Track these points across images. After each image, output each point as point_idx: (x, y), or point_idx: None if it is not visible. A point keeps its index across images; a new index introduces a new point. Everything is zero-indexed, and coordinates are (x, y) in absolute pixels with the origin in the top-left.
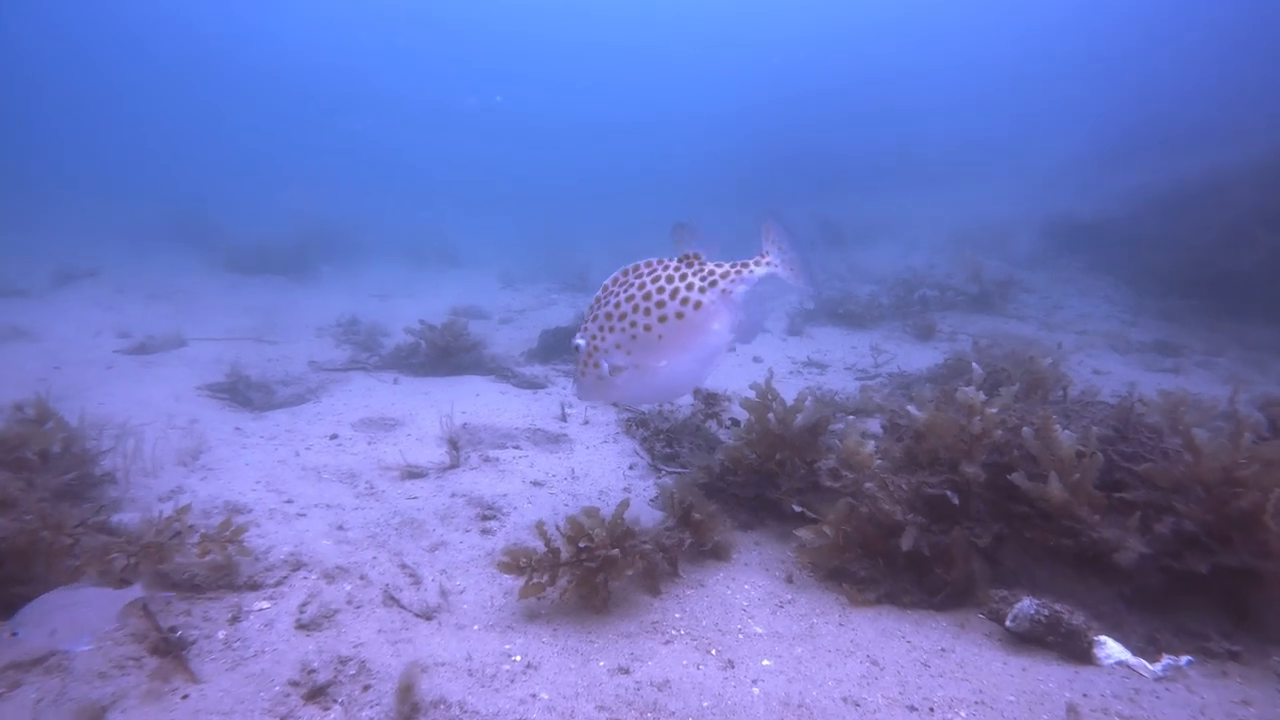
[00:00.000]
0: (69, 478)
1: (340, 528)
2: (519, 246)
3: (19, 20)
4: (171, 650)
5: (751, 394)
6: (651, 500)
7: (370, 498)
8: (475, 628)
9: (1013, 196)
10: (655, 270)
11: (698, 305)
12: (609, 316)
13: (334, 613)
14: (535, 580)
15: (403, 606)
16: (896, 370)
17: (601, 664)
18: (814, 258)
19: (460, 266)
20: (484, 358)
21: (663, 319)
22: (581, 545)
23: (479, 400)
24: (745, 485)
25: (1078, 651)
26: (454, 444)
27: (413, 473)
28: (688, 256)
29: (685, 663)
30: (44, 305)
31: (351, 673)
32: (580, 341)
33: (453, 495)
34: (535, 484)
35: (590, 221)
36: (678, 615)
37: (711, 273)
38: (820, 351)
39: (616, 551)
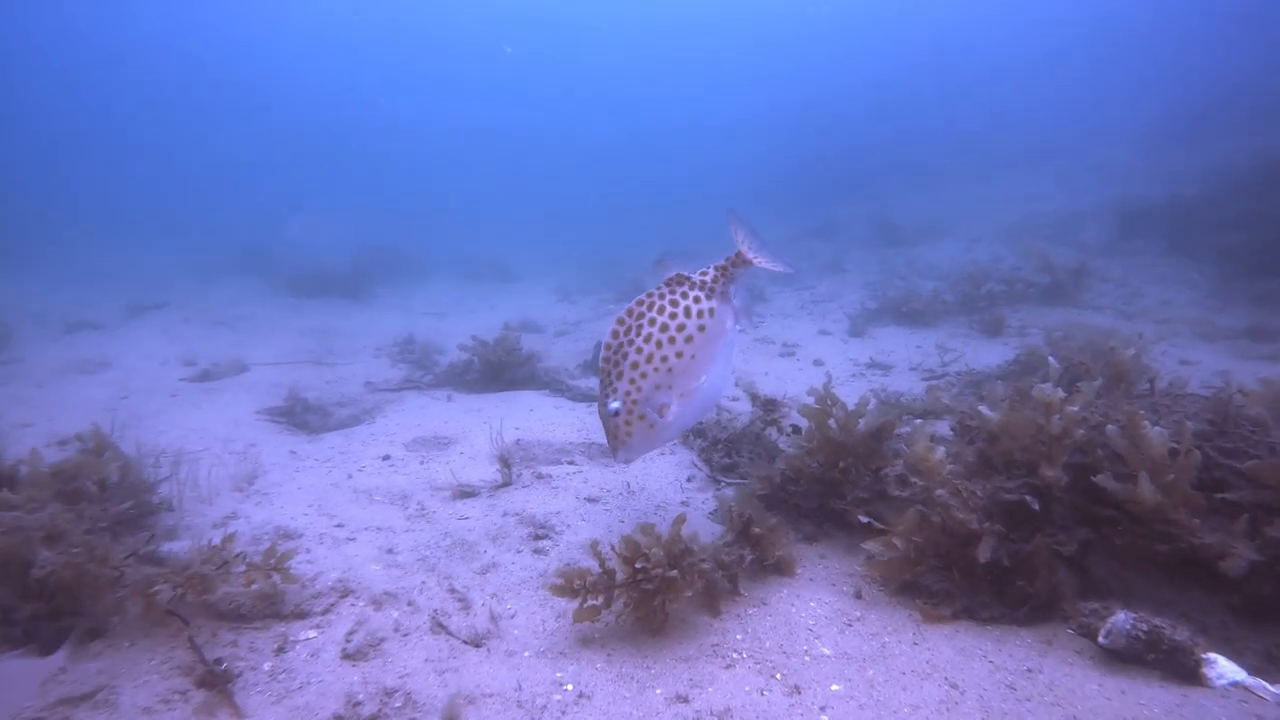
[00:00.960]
0: (125, 506)
1: (390, 551)
2: (574, 260)
3: (95, 72)
4: (217, 683)
5: (810, 400)
6: (710, 514)
7: (421, 519)
8: (526, 654)
9: (1080, 185)
10: (656, 302)
11: (712, 312)
12: (635, 366)
13: (380, 641)
14: (590, 604)
15: (450, 634)
16: (964, 369)
17: (658, 692)
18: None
19: (516, 281)
20: (538, 371)
21: (689, 339)
22: (638, 566)
23: (532, 415)
24: (808, 495)
25: (1183, 671)
26: (505, 462)
27: (464, 492)
28: (675, 278)
29: (748, 689)
30: (115, 337)
31: (398, 705)
32: (616, 404)
33: (504, 514)
34: (589, 500)
35: (644, 231)
36: (739, 637)
37: (705, 282)
38: (883, 352)
39: (675, 573)
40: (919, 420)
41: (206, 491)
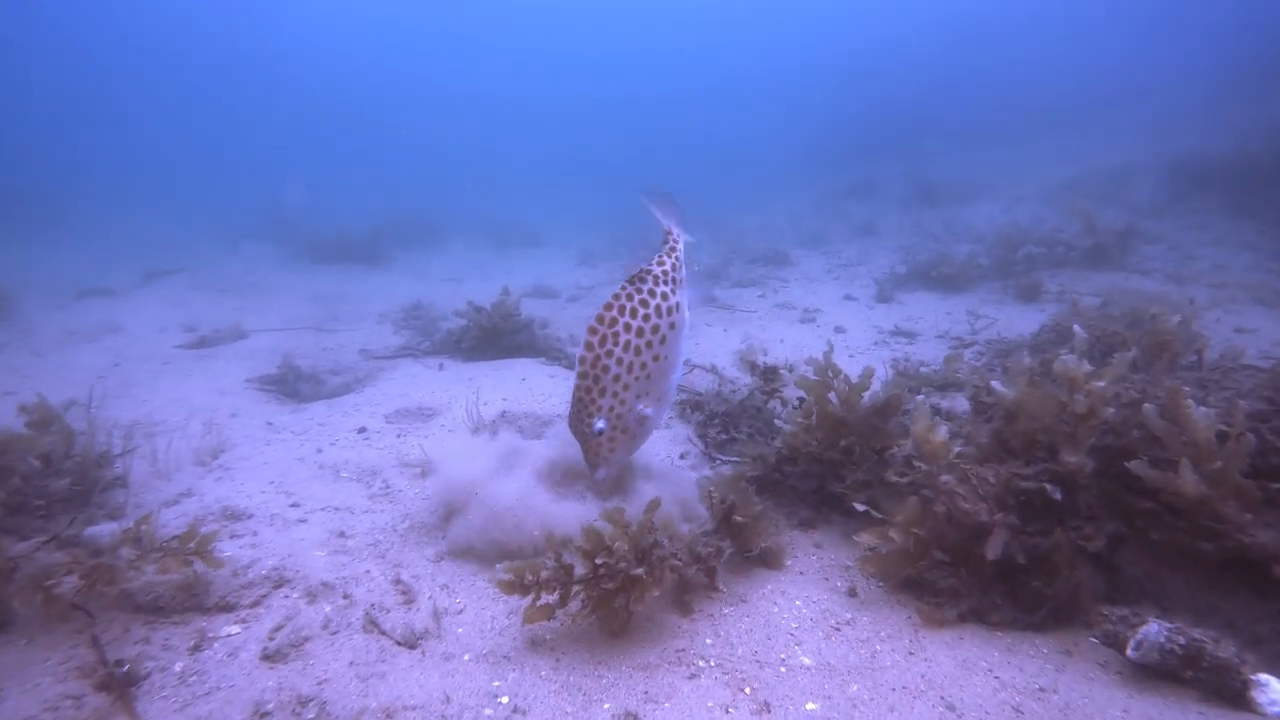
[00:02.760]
0: (64, 484)
1: (341, 535)
2: (603, 223)
3: (120, 38)
4: (118, 687)
5: (809, 371)
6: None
7: (384, 499)
8: (465, 657)
9: (1132, 141)
10: (626, 305)
11: (678, 306)
12: (617, 379)
13: (305, 640)
14: (543, 602)
15: (384, 632)
16: (995, 337)
17: (606, 707)
18: (682, 206)
19: (541, 246)
20: (536, 338)
21: (663, 340)
22: (599, 562)
23: (524, 385)
24: (805, 477)
25: (1227, 693)
26: (487, 431)
27: (433, 469)
28: (638, 274)
29: (710, 704)
30: (124, 302)
31: (310, 717)
32: (602, 424)
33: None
34: (570, 478)
35: (677, 194)
36: (709, 641)
37: (666, 274)
38: (910, 319)
39: (641, 570)
40: (932, 393)
41: (166, 466)
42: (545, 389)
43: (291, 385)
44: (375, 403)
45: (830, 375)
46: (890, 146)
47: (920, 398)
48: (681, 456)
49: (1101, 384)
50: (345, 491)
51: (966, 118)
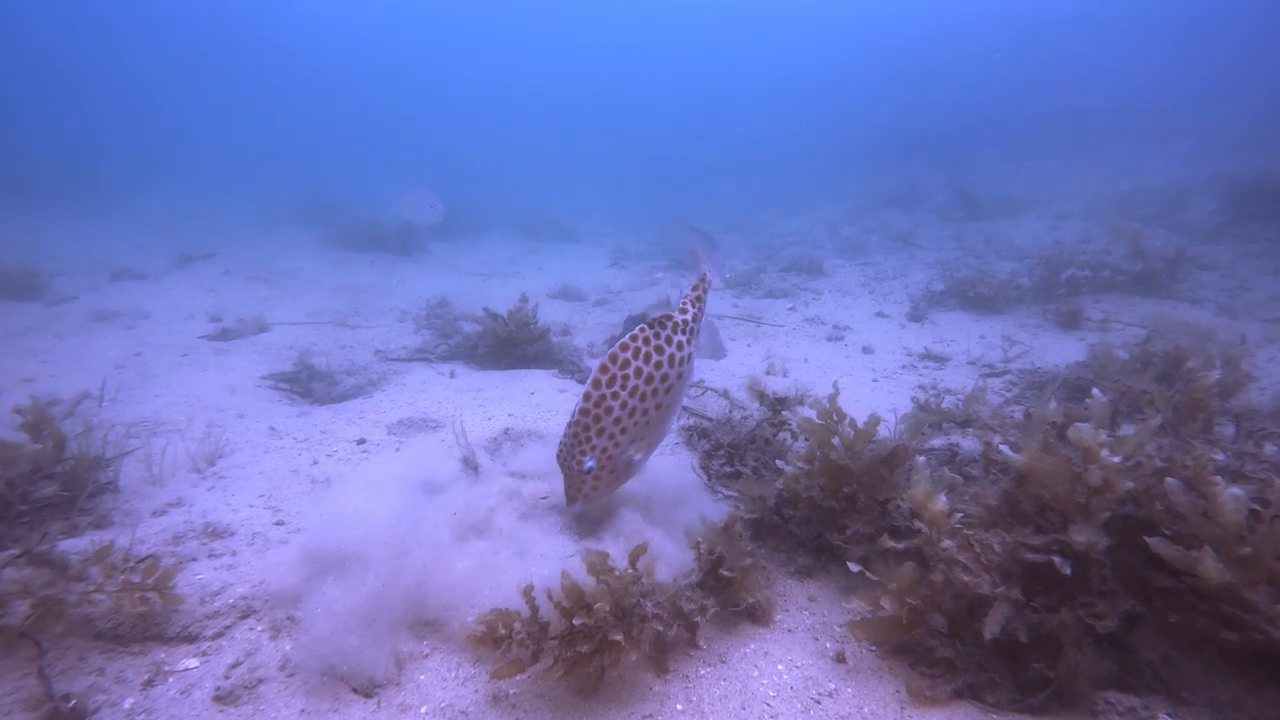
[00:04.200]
0: (51, 490)
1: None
2: (641, 221)
3: (171, 23)
4: None
5: (823, 399)
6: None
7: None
8: (422, 710)
9: (1190, 158)
10: (642, 349)
11: (689, 358)
12: (618, 422)
13: (259, 682)
14: (514, 657)
15: (341, 677)
16: (1029, 366)
17: None
18: (725, 250)
19: (575, 242)
20: (552, 348)
21: (669, 390)
22: (576, 623)
23: (531, 400)
24: (805, 523)
25: None
26: (471, 465)
27: (427, 489)
28: (659, 320)
29: None
30: (154, 288)
31: None
32: (592, 463)
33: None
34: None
35: (718, 195)
36: (680, 707)
37: (686, 323)
38: (942, 341)
39: (619, 636)
40: (953, 430)
41: (162, 472)
42: (553, 405)
43: (305, 384)
44: (381, 410)
45: (835, 420)
46: (935, 153)
47: (921, 459)
48: (682, 487)
49: (1116, 459)
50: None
51: (1017, 124)
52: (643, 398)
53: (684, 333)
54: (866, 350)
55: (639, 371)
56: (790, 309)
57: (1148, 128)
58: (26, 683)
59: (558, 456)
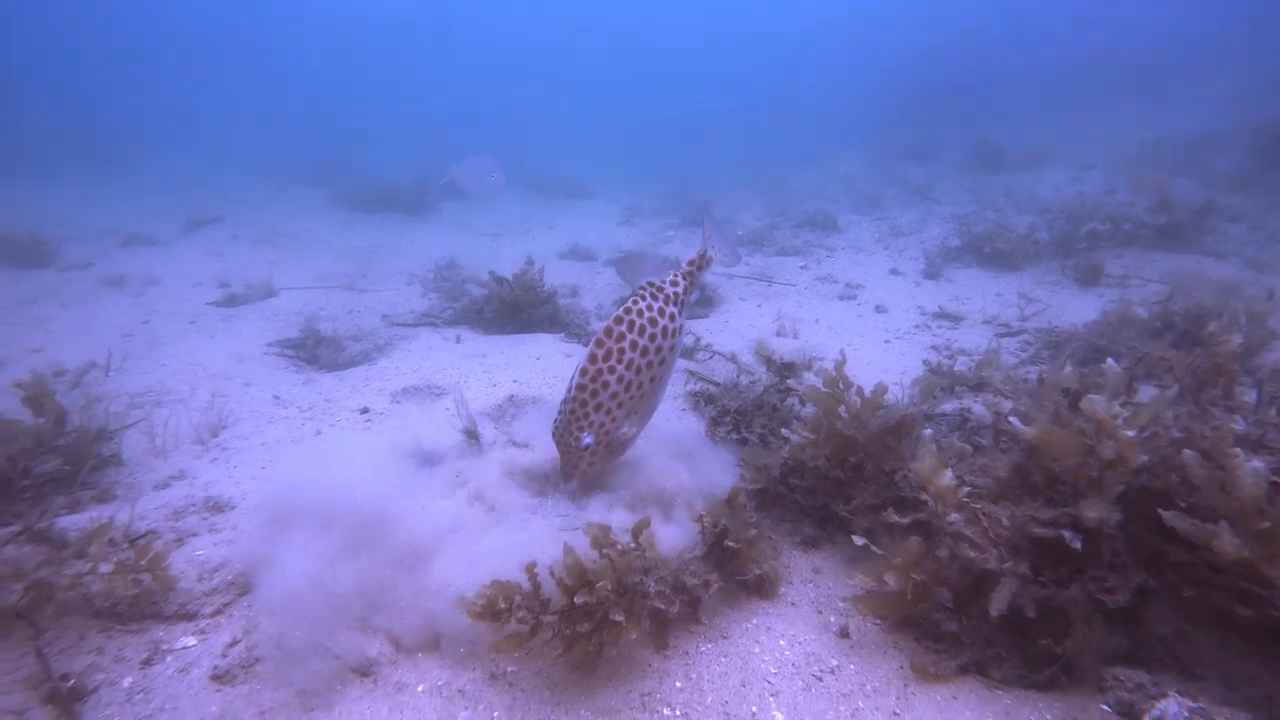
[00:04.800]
0: (53, 465)
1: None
2: (654, 178)
3: None
4: (63, 702)
5: (829, 367)
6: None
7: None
8: (419, 689)
9: (1219, 105)
10: (636, 321)
11: (680, 329)
12: (614, 397)
13: (256, 661)
14: (513, 631)
15: (337, 656)
16: (1045, 325)
17: None
18: (736, 237)
19: (588, 199)
20: (559, 310)
21: (663, 361)
22: (578, 601)
23: (537, 365)
24: (811, 492)
25: None
26: (472, 434)
27: (428, 459)
28: (649, 289)
29: None
30: (163, 253)
31: None
32: (589, 439)
33: (457, 490)
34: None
35: (731, 151)
36: (679, 684)
37: (677, 294)
38: (957, 299)
39: (620, 616)
40: (965, 393)
41: (165, 443)
42: (558, 370)
43: (311, 351)
44: (386, 377)
45: (841, 388)
46: (956, 103)
47: (928, 432)
48: (689, 454)
49: (1130, 433)
50: (333, 480)
51: (1040, 73)
52: (637, 370)
53: (675, 304)
54: (879, 309)
55: (634, 344)
56: (802, 267)
57: (1178, 78)
58: (26, 662)
59: (554, 433)
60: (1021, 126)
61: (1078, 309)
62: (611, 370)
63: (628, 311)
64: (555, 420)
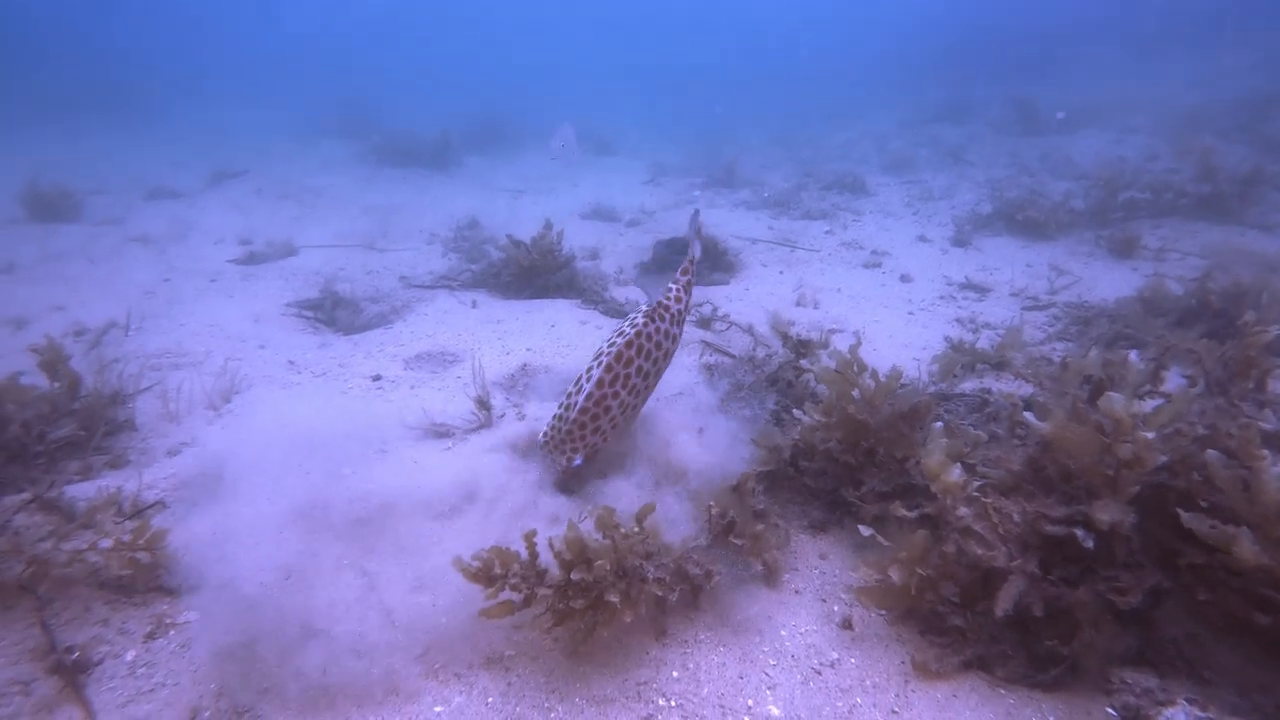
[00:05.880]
0: (67, 430)
1: (322, 508)
2: (682, 134)
3: None
4: (67, 674)
5: (845, 346)
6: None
7: (380, 464)
8: (416, 674)
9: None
10: (644, 346)
11: (676, 339)
12: (613, 420)
13: (256, 641)
14: (505, 598)
15: (333, 638)
16: (1075, 300)
17: None
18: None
19: (614, 155)
20: (576, 276)
21: (659, 373)
22: (574, 577)
23: (552, 333)
24: (822, 475)
25: None
26: (483, 404)
27: (436, 432)
28: (656, 311)
29: None
30: (187, 208)
31: None
32: (580, 460)
33: (466, 465)
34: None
35: (764, 108)
36: (675, 674)
37: (678, 312)
38: (985, 269)
39: (615, 598)
40: (986, 372)
41: (178, 408)
42: (572, 339)
43: (329, 312)
44: (400, 342)
45: (855, 371)
46: (995, 59)
47: (939, 425)
48: (701, 431)
49: (1150, 435)
50: (340, 454)
51: (1087, 26)
52: (635, 392)
53: (678, 323)
54: (904, 279)
55: (640, 369)
56: (828, 232)
57: (1237, 27)
58: (33, 633)
59: (544, 445)
60: (1064, 84)
61: (1110, 283)
62: (615, 395)
63: (639, 335)
64: (547, 433)
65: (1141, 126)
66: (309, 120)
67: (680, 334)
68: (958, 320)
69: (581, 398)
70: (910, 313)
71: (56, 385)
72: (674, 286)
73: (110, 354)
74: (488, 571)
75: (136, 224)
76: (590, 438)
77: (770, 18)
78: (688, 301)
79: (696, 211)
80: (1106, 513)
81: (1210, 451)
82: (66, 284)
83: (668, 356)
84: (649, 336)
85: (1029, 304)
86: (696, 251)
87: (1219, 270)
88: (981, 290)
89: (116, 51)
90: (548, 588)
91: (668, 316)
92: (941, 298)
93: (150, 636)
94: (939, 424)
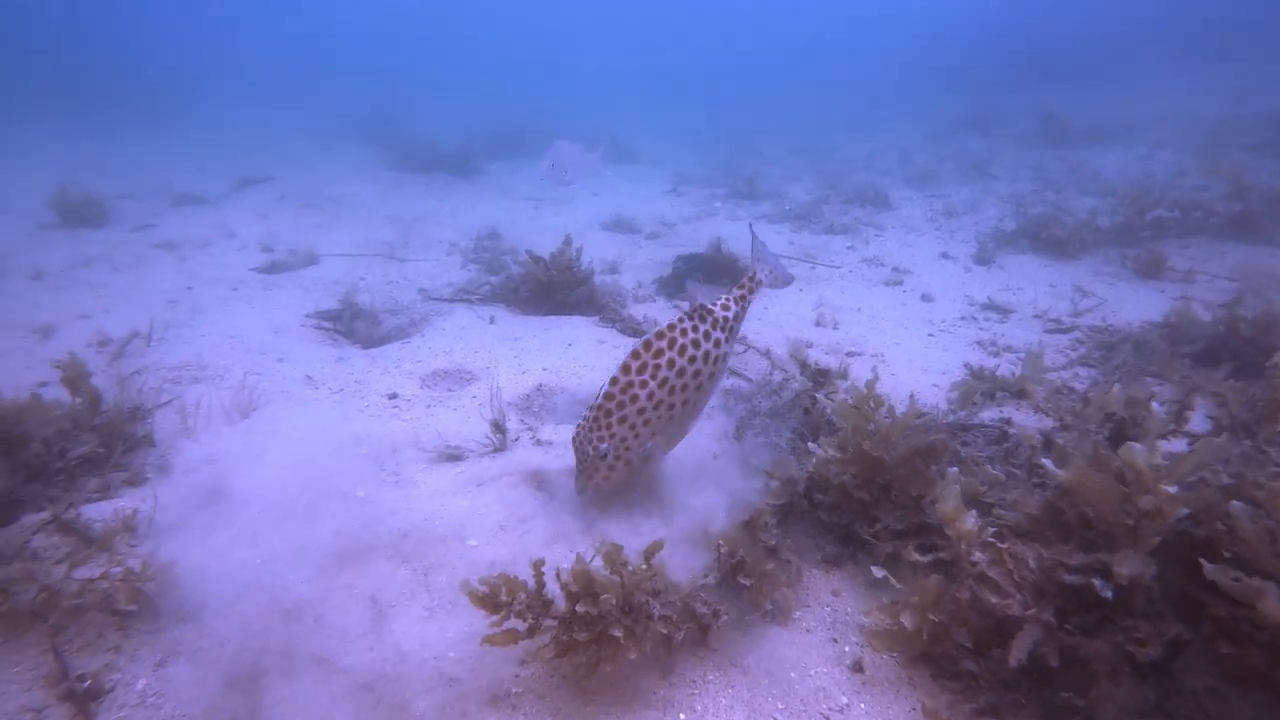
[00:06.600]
0: (87, 447)
1: (337, 535)
2: (705, 143)
3: None
4: (79, 702)
5: (860, 375)
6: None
7: (393, 488)
8: (426, 708)
9: None
10: (678, 340)
11: (725, 355)
12: (641, 412)
13: (264, 673)
14: (509, 626)
15: (342, 671)
16: (1100, 322)
17: None
18: (776, 256)
19: (636, 163)
20: (595, 292)
21: (700, 387)
22: (579, 610)
23: (569, 352)
24: (835, 509)
25: None
26: (499, 427)
27: (450, 455)
28: (698, 311)
29: None
30: (212, 214)
31: None
32: (606, 447)
33: (478, 486)
34: None
35: (787, 117)
36: (683, 716)
37: (726, 319)
38: (1008, 289)
39: (619, 632)
40: (1006, 400)
41: (196, 424)
42: (589, 358)
43: (348, 323)
44: (418, 358)
45: (871, 407)
46: (1023, 69)
47: (953, 470)
48: (714, 458)
49: (1173, 490)
50: (353, 477)
51: (1112, 41)
52: (670, 390)
53: (723, 329)
54: (926, 298)
55: (671, 363)
56: (849, 248)
57: (1260, 44)
58: (46, 659)
59: (574, 440)
60: (1093, 96)
61: (1135, 305)
62: (644, 385)
63: (671, 328)
64: (578, 426)
65: (1169, 141)
66: (332, 124)
67: (729, 350)
68: (979, 343)
69: (606, 383)
70: (931, 334)
71: (78, 401)
72: (726, 297)
73: (132, 365)
74: (494, 597)
75: (162, 231)
76: (616, 428)
77: (797, 23)
78: (739, 314)
79: (751, 223)
80: (1126, 566)
81: (1235, 503)
82: (92, 291)
83: (713, 364)
84: (684, 332)
85: (1051, 327)
86: (762, 275)
87: (1250, 294)
88: (1004, 311)
89: (143, 51)
90: (553, 619)
91: (710, 319)
92: (963, 318)
93: (162, 665)
94: (954, 469)
